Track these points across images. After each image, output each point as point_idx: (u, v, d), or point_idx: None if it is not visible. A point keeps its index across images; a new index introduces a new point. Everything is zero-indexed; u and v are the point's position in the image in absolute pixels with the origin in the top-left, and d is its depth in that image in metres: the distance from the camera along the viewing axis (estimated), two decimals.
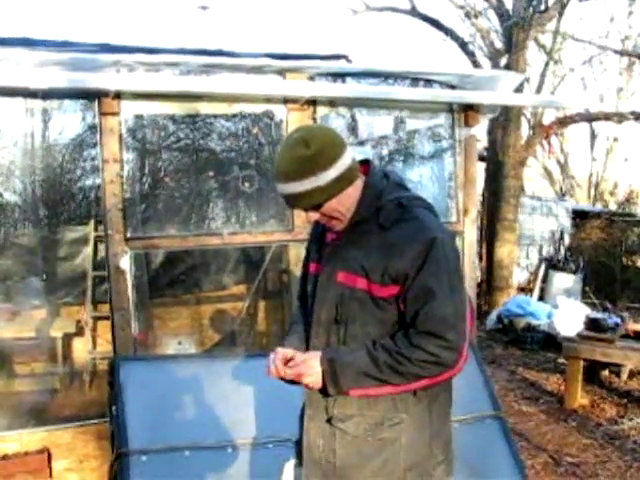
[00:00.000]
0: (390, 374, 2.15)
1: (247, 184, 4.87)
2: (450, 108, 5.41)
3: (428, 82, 5.50)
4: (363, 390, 2.20)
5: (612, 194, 17.55)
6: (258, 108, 4.83)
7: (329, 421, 2.34)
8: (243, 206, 4.94)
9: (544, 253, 11.53)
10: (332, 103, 5.07)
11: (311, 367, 2.27)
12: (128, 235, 4.49)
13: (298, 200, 2.23)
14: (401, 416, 2.25)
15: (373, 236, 2.23)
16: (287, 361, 2.38)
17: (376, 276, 2.19)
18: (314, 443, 2.41)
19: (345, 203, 2.24)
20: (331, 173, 2.16)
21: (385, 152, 6.33)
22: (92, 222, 6.12)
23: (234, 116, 4.95)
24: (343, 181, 2.20)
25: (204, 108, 4.75)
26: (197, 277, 6.76)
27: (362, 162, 2.35)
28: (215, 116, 4.94)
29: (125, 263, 4.43)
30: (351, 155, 2.22)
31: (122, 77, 4.36)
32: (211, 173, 4.92)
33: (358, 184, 2.27)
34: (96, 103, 4.36)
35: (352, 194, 2.25)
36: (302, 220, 4.69)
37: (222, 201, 4.96)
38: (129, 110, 4.50)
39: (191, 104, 4.71)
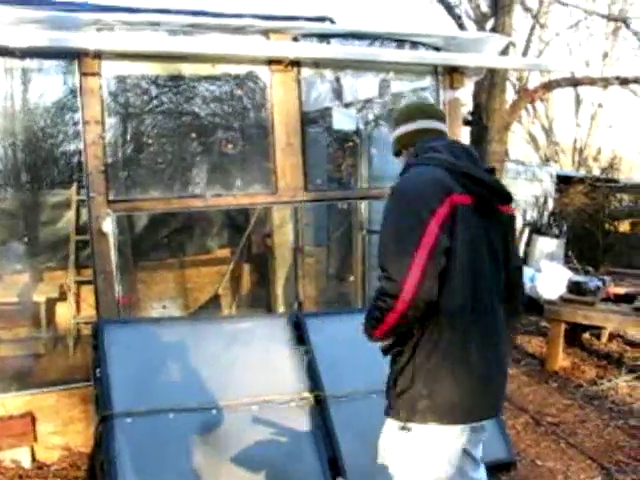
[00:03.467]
0: (373, 313, 2.49)
1: (230, 146, 4.84)
2: (435, 70, 5.38)
3: (414, 45, 5.45)
4: (376, 331, 2.53)
5: (596, 160, 17.52)
6: (242, 69, 4.78)
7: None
8: (227, 168, 4.90)
9: (528, 218, 11.52)
10: (316, 64, 5.02)
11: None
12: (110, 197, 4.46)
13: None
14: (402, 347, 2.56)
15: None
16: None
17: None
18: None
19: (401, 162, 2.84)
20: (394, 134, 2.88)
21: (370, 115, 6.31)
22: (74, 186, 6.06)
23: (217, 78, 4.90)
24: (395, 145, 2.88)
25: (187, 69, 4.70)
26: (181, 241, 6.76)
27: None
28: (198, 78, 4.88)
29: (108, 226, 4.40)
30: (403, 131, 2.83)
31: (102, 36, 4.30)
32: (194, 135, 4.88)
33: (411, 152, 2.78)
34: (76, 63, 4.30)
35: (403, 158, 2.84)
36: (286, 182, 4.69)
37: (205, 164, 4.92)
38: (110, 71, 4.45)
39: (174, 65, 4.66)
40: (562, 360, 6.43)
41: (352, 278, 6.51)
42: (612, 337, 7.26)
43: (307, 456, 3.85)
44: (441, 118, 2.88)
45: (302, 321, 4.42)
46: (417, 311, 2.41)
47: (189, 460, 3.71)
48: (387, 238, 2.49)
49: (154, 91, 4.85)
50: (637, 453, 4.56)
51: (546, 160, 18.12)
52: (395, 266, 2.40)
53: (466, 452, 2.74)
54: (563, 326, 6.42)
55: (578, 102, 20.23)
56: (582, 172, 16.22)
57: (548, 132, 19.98)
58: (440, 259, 2.41)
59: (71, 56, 4.28)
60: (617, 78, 11.13)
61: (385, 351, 2.65)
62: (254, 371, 4.12)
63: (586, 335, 7.18)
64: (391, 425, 2.64)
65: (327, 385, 4.12)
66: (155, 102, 4.90)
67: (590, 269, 9.03)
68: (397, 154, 2.90)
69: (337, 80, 6.22)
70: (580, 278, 6.97)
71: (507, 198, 2.67)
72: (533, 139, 20.40)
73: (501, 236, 2.68)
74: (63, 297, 6.19)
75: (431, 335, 2.49)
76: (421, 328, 2.51)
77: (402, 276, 2.36)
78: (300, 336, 4.35)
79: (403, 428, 2.58)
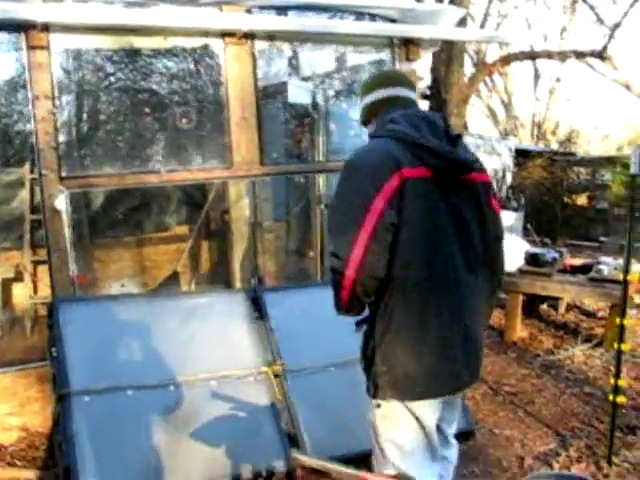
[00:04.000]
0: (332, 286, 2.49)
1: (185, 121, 4.78)
2: (391, 42, 5.35)
3: (372, 18, 5.42)
4: (338, 303, 2.51)
5: (554, 133, 17.76)
6: (195, 42, 4.71)
7: None
8: (182, 144, 4.85)
9: None
10: (271, 37, 4.96)
11: None
12: (63, 174, 4.38)
13: None
14: (365, 323, 2.59)
15: None
16: None
17: None
18: None
19: (370, 130, 2.75)
20: (361, 103, 2.80)
21: (328, 89, 6.28)
22: (27, 164, 5.95)
23: (170, 52, 4.82)
24: (363, 114, 2.78)
25: (139, 43, 4.62)
26: (139, 218, 6.68)
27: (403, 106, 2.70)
28: (152, 52, 4.80)
29: (61, 203, 4.32)
30: (372, 99, 2.72)
31: (50, 8, 4.18)
32: (148, 110, 4.81)
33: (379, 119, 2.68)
34: (23, 37, 4.19)
35: (372, 126, 2.72)
36: (241, 157, 4.65)
37: (160, 139, 4.86)
38: (60, 44, 4.34)
39: (126, 38, 4.57)
40: (520, 331, 6.52)
41: (312, 254, 6.51)
42: (569, 308, 7.39)
43: (266, 430, 3.86)
44: (409, 85, 2.77)
45: (260, 296, 4.40)
46: (364, 287, 2.40)
47: (148, 437, 3.69)
48: (333, 214, 2.53)
49: (106, 65, 4.77)
50: (590, 419, 4.66)
51: (505, 134, 18.27)
52: (339, 243, 2.41)
53: (439, 429, 2.69)
54: (521, 297, 6.50)
55: (537, 76, 20.43)
56: (541, 146, 16.41)
57: (507, 106, 20.15)
58: (385, 235, 2.36)
59: (18, 29, 4.17)
60: (574, 52, 11.26)
61: (356, 326, 2.65)
62: (212, 347, 4.10)
63: (544, 306, 7.30)
64: (370, 402, 2.64)
65: (286, 359, 4.12)
66: (108, 77, 4.82)
67: (548, 241, 9.14)
68: (365, 123, 2.80)
69: (294, 53, 6.16)
70: (537, 250, 7.06)
71: (470, 167, 2.54)
72: (492, 113, 20.57)
73: (473, 206, 2.57)
74: (19, 277, 6.09)
75: (385, 310, 2.46)
76: (377, 304, 2.48)
77: (346, 253, 2.36)
78: (259, 311, 4.34)
79: (377, 405, 2.58)
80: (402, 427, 2.55)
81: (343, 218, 2.43)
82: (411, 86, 2.78)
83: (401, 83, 2.74)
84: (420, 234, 2.42)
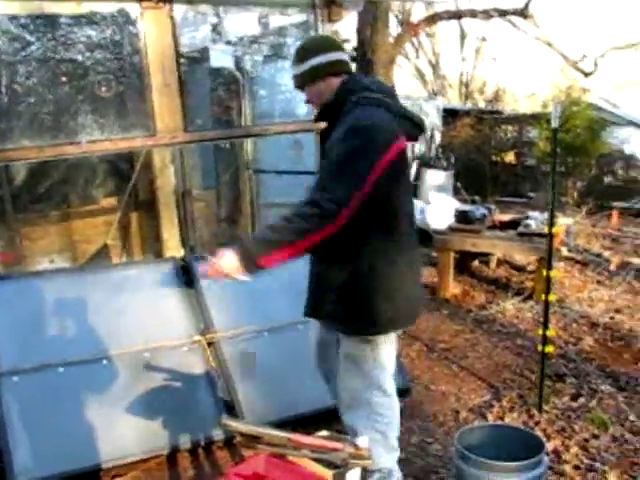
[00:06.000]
0: (283, 232, 2.56)
1: (104, 89, 4.63)
2: (313, 3, 5.28)
3: None
4: (270, 256, 2.56)
5: (481, 92, 17.92)
6: (110, 7, 4.55)
7: None
8: (102, 113, 4.70)
9: (416, 151, 11.68)
10: (190, 0, 4.83)
11: (225, 257, 2.65)
12: None
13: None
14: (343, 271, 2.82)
15: (338, 122, 2.77)
16: None
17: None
18: None
19: (315, 92, 2.90)
20: (301, 67, 2.87)
21: (252, 52, 6.20)
22: None
23: (85, 18, 4.66)
24: (310, 74, 2.86)
25: (50, 7, 4.43)
26: (65, 192, 6.50)
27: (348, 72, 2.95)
28: (71, 19, 4.63)
29: None
30: (321, 60, 2.83)
31: None
32: (65, 79, 4.64)
33: (331, 82, 2.85)
34: None
35: (323, 88, 2.86)
36: (164, 124, 4.55)
37: (80, 109, 4.70)
38: None
39: (35, 2, 4.38)
40: (453, 288, 6.61)
41: (243, 220, 6.46)
42: (500, 263, 7.52)
43: (202, 399, 3.83)
44: (344, 50, 3.05)
45: (190, 264, 4.35)
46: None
47: (82, 413, 3.63)
48: (339, 166, 2.63)
49: (21, 33, 4.58)
50: (522, 369, 4.78)
51: (434, 94, 18.38)
52: (341, 191, 2.56)
53: None
54: (452, 255, 6.59)
55: (463, 36, 20.55)
56: (468, 105, 16.56)
57: (435, 67, 20.25)
58: (376, 194, 2.64)
59: None
60: (497, 10, 11.35)
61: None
62: (144, 318, 4.04)
63: (475, 263, 7.41)
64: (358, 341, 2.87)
65: (218, 327, 4.10)
66: (25, 47, 4.63)
67: (477, 199, 9.26)
68: (309, 83, 2.91)
69: (217, 18, 6.04)
70: (467, 207, 7.15)
71: (422, 131, 2.99)
72: (420, 74, 20.65)
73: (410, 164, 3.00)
74: None
75: (384, 258, 2.76)
76: (375, 250, 2.76)
77: (345, 202, 2.54)
78: (189, 280, 4.29)
79: (369, 342, 2.85)
80: (387, 354, 2.92)
81: (349, 174, 2.59)
82: (345, 50, 3.06)
83: (340, 48, 2.98)
84: (400, 192, 2.81)
